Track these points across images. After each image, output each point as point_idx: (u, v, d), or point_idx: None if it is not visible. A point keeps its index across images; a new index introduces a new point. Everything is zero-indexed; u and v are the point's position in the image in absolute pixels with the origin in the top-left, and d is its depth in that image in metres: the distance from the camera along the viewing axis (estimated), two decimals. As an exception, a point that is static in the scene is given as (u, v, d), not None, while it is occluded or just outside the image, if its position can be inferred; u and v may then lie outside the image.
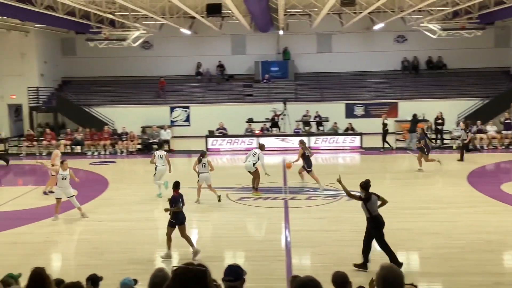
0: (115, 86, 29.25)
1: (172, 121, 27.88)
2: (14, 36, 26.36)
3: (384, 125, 21.87)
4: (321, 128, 25.01)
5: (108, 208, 13.56)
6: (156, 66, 29.91)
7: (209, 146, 22.91)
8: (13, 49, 26.88)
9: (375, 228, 8.74)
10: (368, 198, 8.70)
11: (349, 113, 27.64)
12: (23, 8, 16.56)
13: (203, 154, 14.11)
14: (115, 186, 16.28)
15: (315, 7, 21.72)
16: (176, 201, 9.77)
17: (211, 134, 23.28)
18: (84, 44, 26.56)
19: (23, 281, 5.16)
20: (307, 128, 24.54)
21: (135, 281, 5.91)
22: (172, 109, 28.16)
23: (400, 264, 8.22)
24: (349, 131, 23.56)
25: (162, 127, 24.02)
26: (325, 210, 13.03)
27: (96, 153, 22.80)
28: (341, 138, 23.07)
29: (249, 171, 14.78)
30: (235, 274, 3.39)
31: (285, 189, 15.53)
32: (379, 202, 8.91)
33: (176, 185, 10.13)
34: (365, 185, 8.80)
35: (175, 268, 1.85)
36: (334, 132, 23.61)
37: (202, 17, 21.82)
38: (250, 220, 12.36)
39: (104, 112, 27.09)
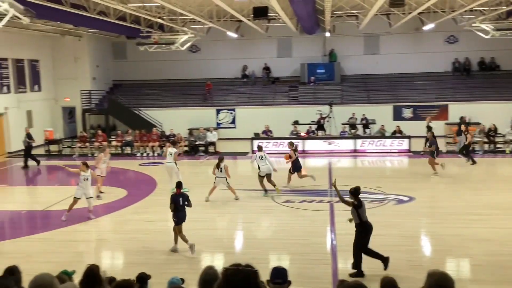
0: (163, 89, 29.90)
1: (218, 123, 28.21)
2: (68, 40, 27.43)
3: (429, 128, 21.33)
4: (367, 130, 24.66)
5: (156, 208, 13.87)
6: (203, 69, 30.36)
7: (255, 148, 22.96)
8: (67, 54, 27.97)
9: (363, 233, 8.84)
10: (360, 204, 8.87)
11: (397, 116, 27.11)
12: (77, 14, 17.21)
13: (221, 159, 14.36)
14: (163, 186, 16.62)
15: (363, 8, 21.44)
16: (173, 200, 10.11)
17: (256, 136, 23.38)
18: (134, 48, 27.31)
19: (77, 277, 5.39)
20: (353, 130, 24.25)
21: (182, 281, 6.03)
22: (218, 111, 28.50)
23: (362, 275, 8.46)
24: (397, 134, 23.10)
25: (208, 129, 24.34)
26: (371, 214, 12.71)
27: (145, 154, 23.36)
28: (388, 141, 22.66)
29: (266, 174, 14.89)
30: (283, 277, 3.41)
31: (330, 192, 15.39)
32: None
33: (179, 185, 10.56)
34: (355, 192, 8.98)
35: (225, 269, 1.89)
36: (381, 135, 23.22)
37: (249, 20, 21.98)
38: (295, 223, 12.33)
39: (153, 114, 27.74)
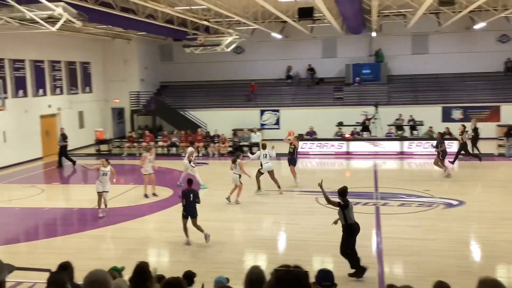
0: (208, 90, 30.27)
1: (262, 124, 28.31)
2: (118, 43, 28.23)
3: (475, 130, 20.61)
4: (415, 132, 24.10)
5: (200, 207, 13.97)
6: (247, 70, 30.55)
7: (299, 150, 22.92)
8: (117, 56, 28.78)
9: (349, 235, 8.76)
10: (346, 205, 8.70)
11: (446, 117, 26.35)
12: (126, 17, 17.71)
13: (237, 155, 14.87)
14: (207, 186, 16.83)
15: (411, 7, 20.98)
16: (184, 195, 10.87)
17: (300, 138, 23.28)
18: (180, 50, 27.80)
19: (126, 274, 5.53)
20: (399, 132, 23.76)
21: (227, 280, 6.09)
22: (262, 112, 28.59)
23: (362, 270, 8.56)
24: (446, 135, 22.44)
25: (252, 130, 24.46)
26: (419, 218, 12.54)
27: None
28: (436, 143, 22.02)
29: (268, 171, 15.54)
30: (331, 279, 3.39)
31: (376, 194, 15.15)
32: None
33: (189, 182, 11.31)
34: (343, 192, 8.82)
35: (276, 269, 1.90)
36: (429, 137, 22.63)
37: (294, 21, 21.95)
38: (339, 225, 12.16)
39: (198, 115, 28.14)
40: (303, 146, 23.00)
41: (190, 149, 16.83)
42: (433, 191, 14.97)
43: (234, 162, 14.49)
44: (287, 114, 28.05)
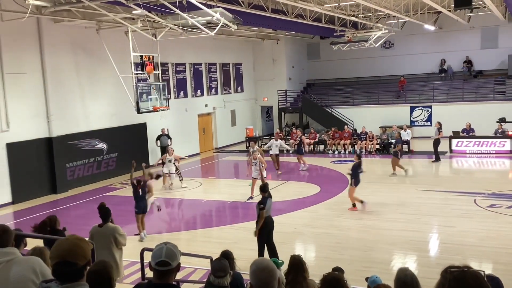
0: (355, 87, 29.87)
1: (412, 121, 27.10)
2: (267, 44, 29.28)
3: None
4: None
5: (349, 205, 13.96)
6: (397, 65, 29.48)
7: (454, 148, 21.54)
8: (266, 56, 29.86)
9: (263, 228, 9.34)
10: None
11: None
12: (277, 18, 18.30)
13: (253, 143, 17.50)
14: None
15: None
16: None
17: (456, 135, 21.82)
18: (327, 48, 27.85)
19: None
20: None
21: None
22: (412, 108, 27.35)
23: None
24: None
25: (401, 127, 23.55)
26: None
27: (336, 152, 23.66)
28: None
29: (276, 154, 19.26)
30: (503, 287, 3.16)
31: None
32: None
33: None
34: (264, 188, 9.77)
35: (450, 270, 1.83)
36: None
37: (449, 10, 20.61)
38: (502, 230, 11.19)
39: (344, 112, 27.93)
40: (458, 144, 21.57)
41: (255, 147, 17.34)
42: None
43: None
44: (440, 110, 26.43)
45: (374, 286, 4.58)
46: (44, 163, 17.14)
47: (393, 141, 22.73)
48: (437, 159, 19.95)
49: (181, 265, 3.06)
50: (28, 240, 5.67)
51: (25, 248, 5.40)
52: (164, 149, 20.76)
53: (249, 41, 28.75)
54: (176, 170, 17.35)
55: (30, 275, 3.22)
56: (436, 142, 19.95)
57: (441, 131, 20.11)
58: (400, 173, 17.64)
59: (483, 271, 1.85)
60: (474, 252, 9.95)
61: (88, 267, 2.81)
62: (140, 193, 11.57)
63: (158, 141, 21.46)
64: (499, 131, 21.39)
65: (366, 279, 5.66)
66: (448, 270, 1.80)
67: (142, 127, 21.30)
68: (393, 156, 17.93)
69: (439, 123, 20.37)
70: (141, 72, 17.13)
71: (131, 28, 16.15)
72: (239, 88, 28.95)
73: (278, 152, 19.59)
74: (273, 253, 9.43)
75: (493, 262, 9.41)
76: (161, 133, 21.56)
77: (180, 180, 17.54)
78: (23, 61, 16.48)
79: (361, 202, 13.32)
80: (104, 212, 7.23)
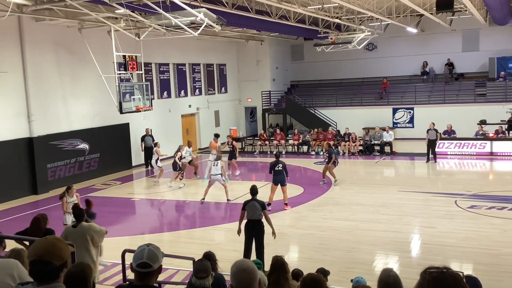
0: (338, 88, 30.04)
1: (394, 123, 27.35)
2: (251, 45, 29.29)
3: None
4: None
5: (332, 206, 14.05)
6: (380, 67, 29.73)
7: (435, 149, 21.76)
8: (250, 57, 29.87)
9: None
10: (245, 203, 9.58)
11: None
12: (261, 19, 18.32)
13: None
14: (337, 186, 16.76)
15: None
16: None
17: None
18: (311, 49, 27.97)
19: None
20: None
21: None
22: (395, 110, 27.61)
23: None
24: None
25: (384, 129, 23.76)
26: None
27: (320, 153, 23.75)
28: None
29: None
30: (481, 287, 3.20)
31: (525, 199, 13.82)
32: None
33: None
34: (252, 190, 9.80)
35: (429, 271, 1.85)
36: None
37: (431, 14, 20.86)
38: (482, 231, 11.35)
39: (328, 113, 28.06)
40: (440, 146, 21.83)
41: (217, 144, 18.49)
42: None
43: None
44: (422, 112, 26.73)
45: (356, 286, 4.61)
46: (24, 163, 16.91)
47: (377, 142, 22.99)
48: (429, 160, 20.24)
49: (164, 267, 3.04)
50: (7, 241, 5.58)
51: (4, 250, 5.33)
52: (149, 150, 20.81)
53: (233, 42, 28.72)
54: (178, 170, 17.67)
55: (7, 279, 3.19)
56: (433, 143, 20.28)
57: (439, 132, 20.60)
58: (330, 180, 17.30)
59: (462, 272, 1.87)
60: (454, 253, 10.07)
61: (66, 269, 2.79)
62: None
63: (143, 143, 21.35)
64: (480, 133, 21.70)
65: (351, 280, 5.70)
66: (427, 271, 1.82)
67: (125, 128, 21.14)
68: (328, 164, 17.07)
69: (433, 124, 20.64)
70: (124, 72, 17.01)
71: (114, 28, 16.01)
72: (223, 88, 28.91)
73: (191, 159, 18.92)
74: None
75: (473, 263, 9.54)
76: (145, 133, 21.45)
77: (180, 179, 18.07)
78: (3, 60, 16.23)
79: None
80: (78, 213, 7.20)
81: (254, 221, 9.47)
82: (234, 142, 20.24)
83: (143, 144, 21.39)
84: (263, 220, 9.54)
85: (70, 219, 10.22)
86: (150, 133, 21.52)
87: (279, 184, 13.89)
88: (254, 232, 9.45)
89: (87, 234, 6.76)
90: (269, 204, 13.23)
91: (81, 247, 6.61)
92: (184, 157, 18.21)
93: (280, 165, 13.88)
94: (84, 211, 7.49)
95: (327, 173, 17.19)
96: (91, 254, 6.73)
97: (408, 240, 11.18)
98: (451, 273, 1.80)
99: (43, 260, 2.64)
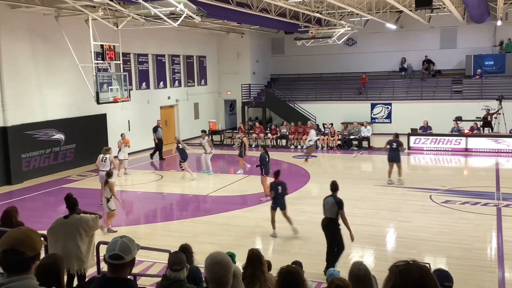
0: (318, 83, 30.16)
1: (372, 118, 27.60)
2: (232, 37, 29.15)
3: None
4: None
5: (310, 200, 14.10)
6: (359, 63, 29.94)
7: (412, 145, 22.06)
8: (231, 50, 29.74)
9: None
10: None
11: None
12: (241, 12, 18.21)
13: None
14: (316, 179, 16.86)
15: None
16: (273, 188, 11.00)
17: (413, 132, 22.36)
18: (291, 43, 27.97)
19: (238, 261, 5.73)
20: (527, 129, 21.84)
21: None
22: (373, 105, 27.86)
23: None
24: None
25: (362, 124, 23.96)
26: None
27: (299, 147, 23.84)
28: None
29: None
30: (452, 280, 3.25)
31: (497, 195, 14.11)
32: None
33: (276, 174, 11.36)
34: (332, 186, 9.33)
35: (396, 265, 1.86)
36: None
37: (410, 10, 21.05)
38: (456, 225, 11.55)
39: (307, 107, 28.16)
40: (416, 141, 22.09)
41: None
42: None
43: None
44: (400, 107, 27.05)
45: (330, 279, 4.64)
46: (-2, 153, 16.56)
47: (355, 136, 23.16)
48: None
49: (140, 259, 3.01)
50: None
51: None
52: (160, 141, 21.31)
53: (213, 34, 28.54)
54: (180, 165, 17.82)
55: None
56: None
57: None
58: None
59: (429, 263, 1.88)
60: (428, 247, 10.23)
61: (38, 262, 2.73)
62: None
63: (155, 134, 21.37)
64: (455, 129, 22.05)
65: (325, 273, 5.74)
66: (395, 264, 1.84)
67: (102, 118, 20.85)
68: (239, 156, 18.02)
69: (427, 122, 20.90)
70: (102, 61, 16.74)
71: (91, 16, 15.73)
72: (202, 81, 28.74)
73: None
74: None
75: (446, 256, 9.70)
76: (156, 124, 21.62)
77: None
78: (-24, 47, 15.83)
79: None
80: (71, 202, 7.02)
81: (327, 219, 9.08)
82: (244, 138, 18.88)
83: (155, 136, 21.32)
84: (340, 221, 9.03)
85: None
86: (160, 125, 21.84)
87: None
88: (325, 230, 9.06)
89: (79, 226, 6.65)
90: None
91: (71, 239, 6.51)
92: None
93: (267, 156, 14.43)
94: (77, 202, 7.25)
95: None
96: (80, 246, 6.61)
97: (383, 234, 11.32)
98: (418, 265, 1.82)
99: (15, 249, 2.57)
